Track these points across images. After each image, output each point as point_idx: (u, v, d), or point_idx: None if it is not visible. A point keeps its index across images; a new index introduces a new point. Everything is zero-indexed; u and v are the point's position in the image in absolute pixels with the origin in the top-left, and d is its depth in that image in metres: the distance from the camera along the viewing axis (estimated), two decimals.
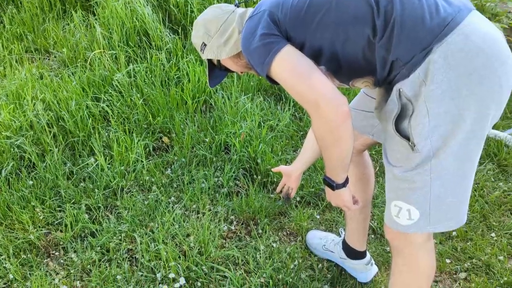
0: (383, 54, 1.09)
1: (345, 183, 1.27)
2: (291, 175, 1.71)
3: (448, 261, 1.94)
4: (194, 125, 2.60)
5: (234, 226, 2.08)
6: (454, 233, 2.06)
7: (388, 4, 1.07)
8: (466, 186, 1.17)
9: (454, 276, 1.89)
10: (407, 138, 1.13)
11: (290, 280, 1.79)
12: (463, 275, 1.88)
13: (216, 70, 1.42)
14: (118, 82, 2.67)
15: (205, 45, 1.34)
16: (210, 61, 1.40)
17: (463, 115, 1.06)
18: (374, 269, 1.84)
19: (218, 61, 1.37)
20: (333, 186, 1.26)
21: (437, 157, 1.11)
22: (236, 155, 2.38)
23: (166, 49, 2.94)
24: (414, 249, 1.29)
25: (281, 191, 1.80)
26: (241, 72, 1.39)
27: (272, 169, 1.80)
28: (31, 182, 2.18)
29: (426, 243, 1.29)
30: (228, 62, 1.35)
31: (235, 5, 1.38)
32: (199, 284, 1.77)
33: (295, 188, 1.74)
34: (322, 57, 1.16)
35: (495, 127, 2.76)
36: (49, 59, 3.07)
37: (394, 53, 1.08)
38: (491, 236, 2.07)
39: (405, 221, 1.22)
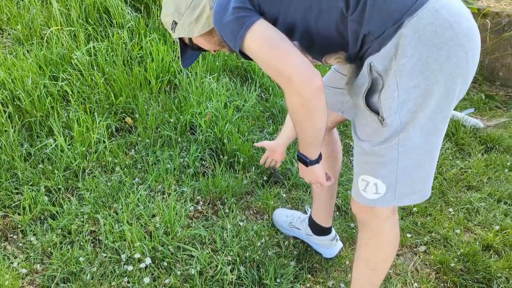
0: (355, 28, 1.09)
1: (318, 159, 1.27)
2: (276, 150, 1.72)
3: (409, 235, 2.00)
4: (158, 106, 2.54)
5: (201, 206, 2.07)
6: (414, 208, 2.14)
7: None
8: (432, 161, 1.20)
9: (415, 249, 1.96)
10: (376, 112, 1.14)
11: (257, 257, 1.80)
12: (422, 248, 1.95)
13: (189, 50, 1.38)
14: (78, 61, 2.57)
15: (175, 23, 1.29)
16: (181, 40, 1.35)
17: (432, 89, 1.08)
18: (339, 245, 1.88)
19: (190, 39, 1.32)
20: (307, 162, 1.27)
21: (406, 131, 1.13)
22: (202, 135, 2.35)
23: (128, 27, 2.85)
24: (380, 222, 1.31)
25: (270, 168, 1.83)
26: (214, 51, 1.35)
27: (255, 144, 1.80)
28: None
29: (392, 217, 1.32)
30: (200, 40, 1.31)
31: None
32: (165, 264, 1.75)
33: (279, 162, 1.76)
34: (295, 32, 1.15)
35: None
36: (2, 37, 2.90)
37: (366, 26, 1.08)
38: (449, 211, 2.16)
39: (372, 195, 1.25)
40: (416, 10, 1.05)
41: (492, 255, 1.91)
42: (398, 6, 1.06)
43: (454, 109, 2.85)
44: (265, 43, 1.09)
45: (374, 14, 1.06)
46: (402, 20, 1.05)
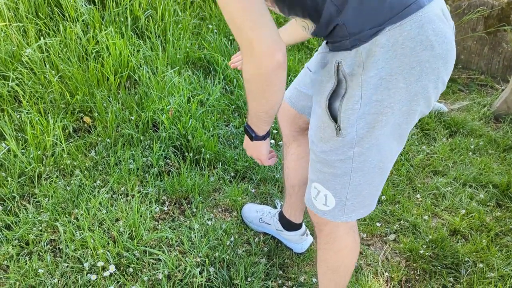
0: (332, 12, 0.99)
1: (265, 136, 1.20)
2: None
3: (378, 224, 2.00)
4: (118, 103, 2.43)
5: (167, 207, 2.00)
6: (383, 197, 2.14)
7: None
8: (384, 177, 1.16)
9: (384, 238, 1.96)
10: (334, 119, 1.07)
11: (227, 257, 1.76)
12: (392, 236, 1.96)
13: None
14: (29, 58, 2.42)
15: None
16: None
17: (394, 107, 1.02)
18: (309, 239, 1.85)
19: None
20: (252, 136, 1.19)
21: (361, 146, 1.07)
22: (165, 132, 2.27)
23: (82, 20, 2.71)
24: (334, 227, 1.27)
25: None
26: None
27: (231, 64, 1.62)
28: None
29: (347, 222, 1.26)
30: None
31: None
32: (131, 270, 1.68)
33: None
34: None
35: None
36: None
37: (343, 17, 0.98)
38: (417, 198, 2.17)
39: (321, 206, 1.20)
40: (401, 19, 0.95)
41: (460, 240, 1.94)
42: (383, 9, 0.96)
43: None
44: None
45: (355, 8, 0.96)
46: (383, 26, 0.96)
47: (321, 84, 1.10)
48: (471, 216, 2.04)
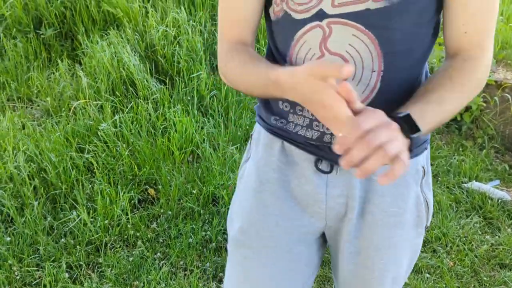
0: None
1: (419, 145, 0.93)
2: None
3: None
4: (181, 176, 2.55)
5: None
6: None
7: None
8: None
9: None
10: None
11: None
12: None
13: None
14: (104, 132, 2.63)
15: None
16: None
17: None
18: None
19: None
20: (413, 134, 0.73)
21: None
22: (225, 207, 2.33)
23: (153, 99, 2.94)
24: None
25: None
26: None
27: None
28: (8, 239, 2.06)
29: None
30: None
31: None
32: None
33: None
34: None
35: (478, 179, 2.81)
36: (32, 108, 3.01)
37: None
38: None
39: None
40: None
41: None
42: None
43: (479, 181, 2.80)
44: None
45: None
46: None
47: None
48: None
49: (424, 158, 0.94)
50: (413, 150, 0.84)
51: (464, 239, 2.35)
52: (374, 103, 0.81)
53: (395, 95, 0.82)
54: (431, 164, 2.89)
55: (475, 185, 2.70)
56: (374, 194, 0.89)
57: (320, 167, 0.89)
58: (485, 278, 2.13)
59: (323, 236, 0.99)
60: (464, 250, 2.27)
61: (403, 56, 0.81)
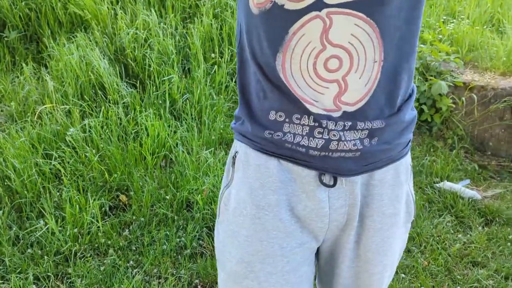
0: None
1: None
2: None
3: None
4: (154, 182, 2.49)
5: None
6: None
7: None
8: None
9: None
10: None
11: None
12: None
13: None
14: (72, 138, 2.53)
15: None
16: None
17: None
18: None
19: None
20: None
21: None
22: (199, 212, 2.28)
23: (123, 103, 2.86)
24: None
25: None
26: None
27: None
28: None
29: None
30: None
31: None
32: None
33: None
34: None
35: (449, 179, 2.87)
36: None
37: None
38: None
39: None
40: None
41: None
42: None
43: (450, 180, 2.86)
44: None
45: None
46: None
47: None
48: None
49: (409, 155, 0.94)
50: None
51: (438, 238, 2.38)
52: (375, 96, 0.79)
53: (392, 86, 0.80)
54: None
55: (446, 185, 2.75)
56: (373, 198, 0.87)
57: (324, 181, 0.84)
58: (458, 277, 2.16)
59: (316, 251, 0.96)
60: (437, 250, 2.30)
61: (400, 44, 0.78)
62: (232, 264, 0.90)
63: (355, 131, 0.79)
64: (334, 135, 0.79)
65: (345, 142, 0.79)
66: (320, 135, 0.80)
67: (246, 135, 0.87)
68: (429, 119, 3.25)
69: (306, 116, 0.79)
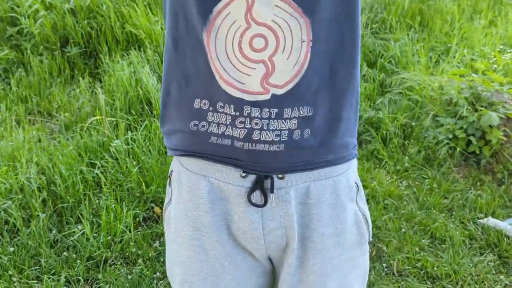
0: None
1: None
2: None
3: None
4: None
5: None
6: None
7: None
8: None
9: None
10: None
11: None
12: None
13: None
14: (115, 149, 2.67)
15: None
16: None
17: None
18: None
19: None
20: None
21: None
22: None
23: None
24: None
25: None
26: None
27: None
28: (12, 249, 2.09)
29: None
30: None
31: None
32: None
33: None
34: None
35: (494, 215, 2.70)
36: (51, 122, 3.10)
37: None
38: None
39: None
40: None
41: None
42: None
43: (495, 217, 2.68)
44: None
45: None
46: None
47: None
48: None
49: (354, 174, 0.90)
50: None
51: (477, 277, 2.24)
52: (307, 78, 0.76)
53: (326, 74, 0.77)
54: (445, 198, 2.80)
55: (491, 221, 2.59)
56: (311, 218, 0.84)
57: (253, 200, 0.81)
58: None
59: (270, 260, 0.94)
60: None
61: (331, 25, 0.75)
62: (177, 285, 0.90)
63: (283, 121, 0.76)
64: (256, 123, 0.76)
65: (267, 132, 0.76)
66: (242, 125, 0.77)
67: (175, 146, 0.86)
68: (478, 151, 3.09)
69: (229, 104, 0.77)
